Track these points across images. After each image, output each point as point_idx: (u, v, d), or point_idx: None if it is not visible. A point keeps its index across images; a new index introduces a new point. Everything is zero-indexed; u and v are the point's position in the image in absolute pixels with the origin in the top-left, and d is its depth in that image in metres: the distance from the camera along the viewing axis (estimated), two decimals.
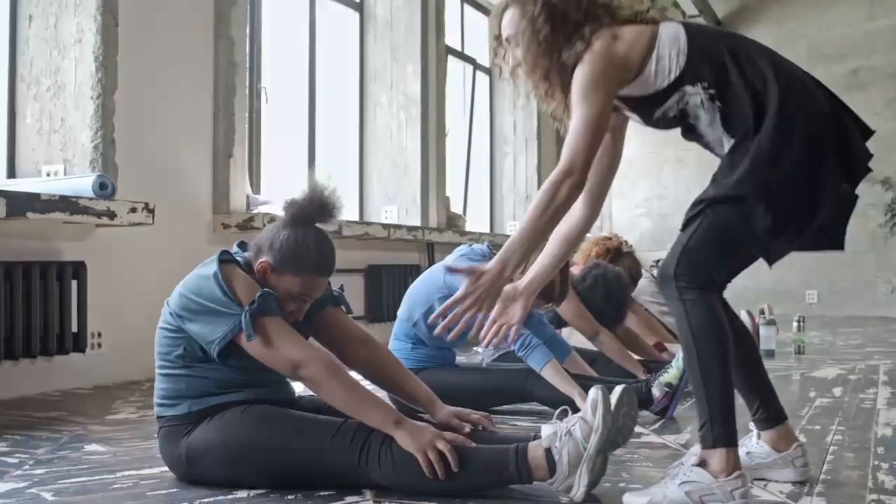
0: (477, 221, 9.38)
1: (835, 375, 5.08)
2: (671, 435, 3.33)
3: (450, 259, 3.89)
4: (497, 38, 2.59)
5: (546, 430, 2.35)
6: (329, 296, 2.70)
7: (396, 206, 7.62)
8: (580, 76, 2.37)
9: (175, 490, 2.46)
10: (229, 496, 2.38)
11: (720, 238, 2.28)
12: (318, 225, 2.56)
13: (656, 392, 3.63)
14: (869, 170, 2.39)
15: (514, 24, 2.50)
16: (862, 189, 2.42)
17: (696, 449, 2.30)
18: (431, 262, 7.58)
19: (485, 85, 9.90)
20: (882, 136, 10.11)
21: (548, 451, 2.29)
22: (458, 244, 7.89)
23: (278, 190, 6.28)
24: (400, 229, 6.91)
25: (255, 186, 6.09)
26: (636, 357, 4.50)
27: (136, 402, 4.05)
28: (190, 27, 5.30)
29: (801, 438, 3.02)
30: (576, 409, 3.50)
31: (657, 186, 11.80)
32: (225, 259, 2.48)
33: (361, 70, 7.78)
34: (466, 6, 9.40)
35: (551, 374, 3.55)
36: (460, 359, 4.25)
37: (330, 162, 7.28)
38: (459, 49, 9.13)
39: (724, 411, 2.24)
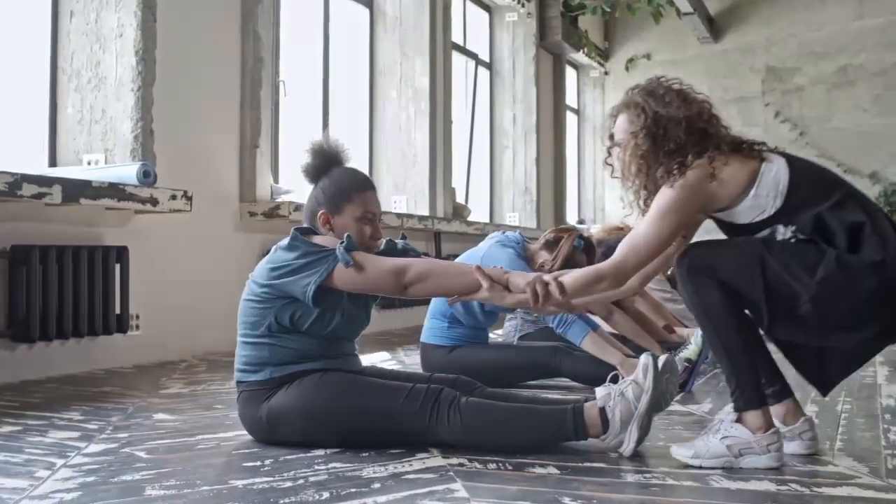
0: (478, 212, 9.60)
1: None
2: (694, 405, 3.58)
3: (485, 245, 4.13)
4: (611, 137, 2.74)
5: (600, 391, 2.62)
6: (394, 248, 2.93)
7: (405, 197, 7.84)
8: (664, 196, 2.51)
9: (256, 450, 2.68)
10: (308, 454, 2.60)
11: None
12: None
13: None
14: None
15: (622, 131, 2.66)
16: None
17: (730, 407, 2.54)
18: (439, 251, 7.81)
19: (485, 79, 10.13)
20: (869, 132, 10.60)
21: (602, 410, 2.57)
22: (464, 234, 8.20)
23: (296, 180, 6.49)
24: (412, 219, 7.14)
25: (275, 176, 6.29)
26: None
27: (180, 379, 4.26)
28: (220, 24, 5.52)
29: (813, 408, 3.30)
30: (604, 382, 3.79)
31: None
32: (298, 229, 2.72)
33: (371, 65, 8.00)
34: (468, 2, 9.63)
35: (591, 345, 3.81)
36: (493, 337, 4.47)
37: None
38: (462, 44, 9.34)
39: (750, 375, 2.50)
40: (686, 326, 5.80)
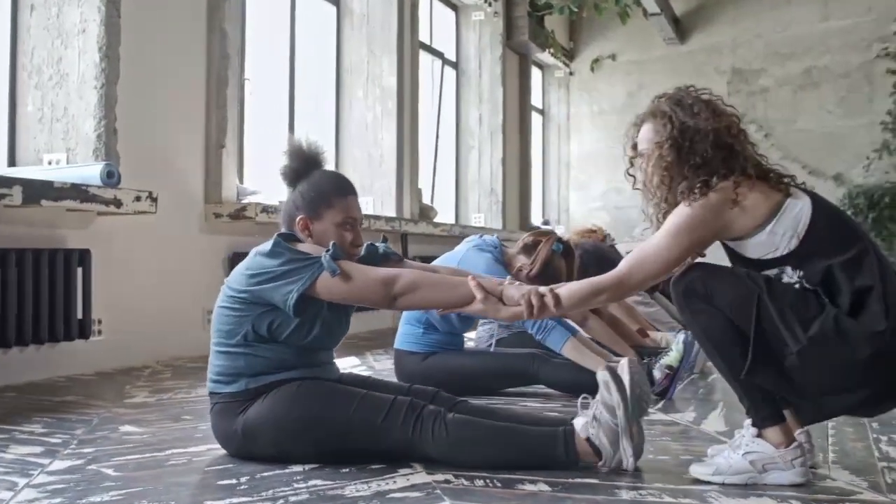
0: (443, 213, 9.51)
1: None
2: (676, 413, 3.50)
3: (462, 249, 4.03)
4: (634, 147, 2.64)
5: (578, 422, 2.54)
6: (375, 252, 2.84)
7: (372, 198, 7.71)
8: (682, 214, 2.41)
9: (231, 465, 2.57)
10: (285, 470, 2.49)
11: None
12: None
13: (657, 374, 3.81)
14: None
15: (647, 140, 2.55)
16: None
17: (749, 422, 2.45)
18: (405, 253, 7.70)
19: (452, 78, 10.03)
20: (834, 134, 10.63)
21: (587, 439, 2.48)
22: (431, 235, 8.10)
23: (261, 181, 6.36)
24: (379, 220, 7.02)
25: (240, 177, 6.15)
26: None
27: (145, 387, 4.12)
28: (186, 19, 5.38)
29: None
30: (589, 390, 3.71)
31: (614, 180, 11.98)
32: (281, 235, 2.60)
33: (338, 63, 7.87)
34: (435, 1, 9.52)
35: (572, 351, 3.74)
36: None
37: None
38: (428, 43, 9.23)
39: (761, 393, 2.40)
40: (658, 330, 5.76)
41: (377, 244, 2.87)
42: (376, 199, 7.75)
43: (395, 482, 2.38)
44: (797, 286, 2.36)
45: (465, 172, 10.23)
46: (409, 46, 8.04)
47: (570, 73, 12.39)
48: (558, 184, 12.55)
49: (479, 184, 10.19)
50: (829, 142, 10.08)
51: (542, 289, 2.46)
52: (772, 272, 2.39)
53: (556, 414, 3.41)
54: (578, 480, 2.39)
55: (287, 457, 2.56)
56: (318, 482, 2.37)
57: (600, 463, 2.48)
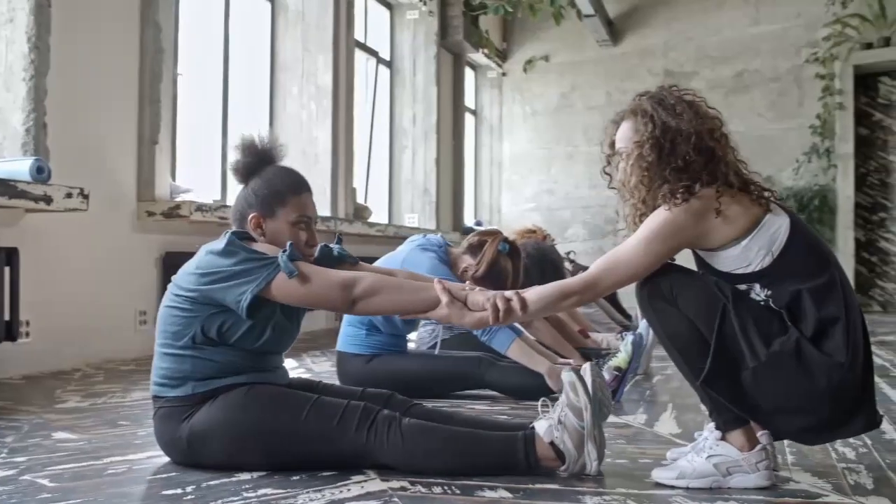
0: (377, 213, 9.40)
1: None
2: (628, 416, 3.46)
3: (405, 248, 3.95)
4: (611, 145, 2.57)
5: (541, 426, 2.47)
6: (329, 254, 2.75)
7: None
8: (660, 219, 2.34)
9: (175, 474, 2.45)
10: (233, 478, 2.38)
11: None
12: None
13: (606, 376, 3.76)
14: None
15: (626, 139, 2.48)
16: None
17: (713, 425, 2.41)
18: None
19: (386, 78, 9.93)
20: (765, 137, 10.77)
21: (551, 443, 2.42)
22: (366, 235, 8.00)
23: (193, 179, 6.21)
24: None
25: (172, 174, 5.99)
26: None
27: (77, 391, 3.97)
28: (119, 11, 5.21)
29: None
30: (536, 394, 3.66)
31: (547, 181, 12.03)
32: (235, 233, 2.48)
33: (272, 60, 7.72)
34: None
35: (518, 352, 3.68)
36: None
37: None
38: (363, 41, 9.12)
39: (719, 399, 2.36)
40: (597, 331, 5.75)
41: (331, 245, 2.78)
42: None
43: (348, 490, 2.29)
44: (762, 304, 2.33)
45: (399, 172, 10.13)
46: (345, 44, 7.93)
47: (503, 74, 12.37)
48: (490, 184, 12.52)
49: (412, 184, 10.11)
50: (760, 145, 10.17)
51: (509, 293, 2.38)
52: (741, 287, 2.35)
53: (505, 417, 3.35)
54: (539, 486, 2.33)
55: (235, 464, 2.46)
56: (269, 490, 2.27)
57: (562, 467, 2.42)
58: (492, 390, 3.87)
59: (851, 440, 2.88)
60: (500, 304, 2.34)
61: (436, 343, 4.13)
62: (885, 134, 10.39)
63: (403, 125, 10.08)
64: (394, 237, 8.27)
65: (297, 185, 2.59)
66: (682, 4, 11.23)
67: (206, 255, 2.44)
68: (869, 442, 2.90)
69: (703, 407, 3.39)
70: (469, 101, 11.98)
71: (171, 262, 5.47)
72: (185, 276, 2.47)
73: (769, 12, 10.73)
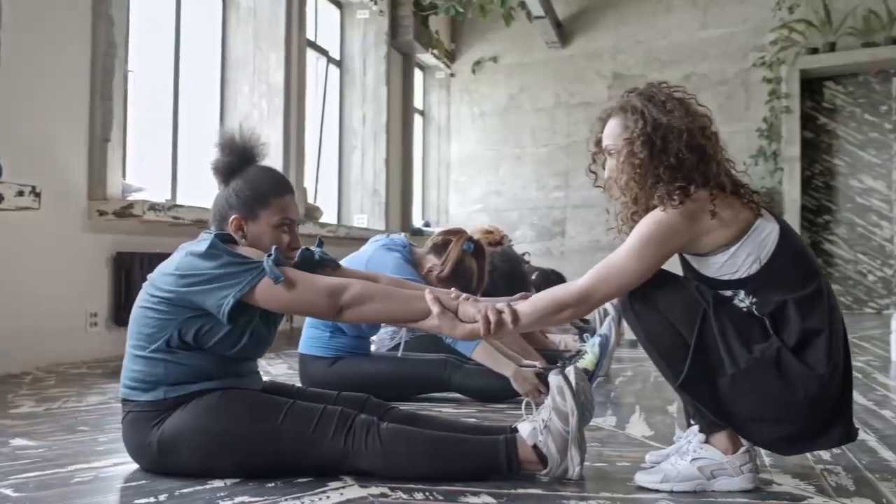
0: (326, 213, 9.30)
1: None
2: (598, 418, 3.42)
3: (369, 249, 3.90)
4: (598, 143, 2.51)
5: (524, 428, 2.43)
6: (311, 257, 2.68)
7: None
8: (655, 222, 2.29)
9: (144, 481, 2.37)
10: (206, 486, 2.31)
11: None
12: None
13: None
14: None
15: (615, 136, 2.42)
16: None
17: (696, 428, 2.39)
18: None
19: (335, 77, 9.84)
20: None
21: (534, 446, 2.38)
22: (317, 236, 7.90)
23: (142, 177, 6.08)
24: None
25: (123, 173, 5.86)
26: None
27: (30, 396, 3.85)
28: (70, 5, 5.07)
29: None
30: (501, 397, 3.63)
31: (495, 182, 12.03)
32: (218, 235, 2.40)
33: (223, 58, 7.60)
34: None
35: (483, 355, 3.64)
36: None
37: (192, 150, 7.07)
38: (313, 40, 9.02)
39: None
40: (554, 333, 5.73)
41: (312, 248, 2.71)
42: None
43: (328, 497, 2.23)
44: (745, 310, 2.30)
45: (348, 172, 10.05)
46: (297, 42, 7.84)
47: (452, 75, 12.34)
48: (438, 185, 12.48)
49: (362, 184, 10.02)
50: None
51: (500, 305, 2.32)
52: (726, 293, 2.32)
53: (473, 420, 3.31)
54: (522, 491, 2.29)
55: (206, 472, 2.38)
56: (245, 498, 2.20)
57: (544, 471, 2.38)
58: (456, 393, 3.83)
59: None
60: (492, 317, 2.28)
61: (398, 345, 4.07)
62: (830, 137, 10.56)
63: (353, 125, 10.00)
64: (345, 238, 8.20)
65: (279, 186, 2.52)
66: (631, 8, 11.30)
67: (187, 256, 2.35)
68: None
69: (670, 409, 3.41)
70: (417, 101, 11.93)
71: (122, 263, 5.36)
72: (162, 276, 2.38)
73: (717, 17, 10.84)
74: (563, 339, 5.46)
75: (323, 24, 9.43)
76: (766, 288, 2.27)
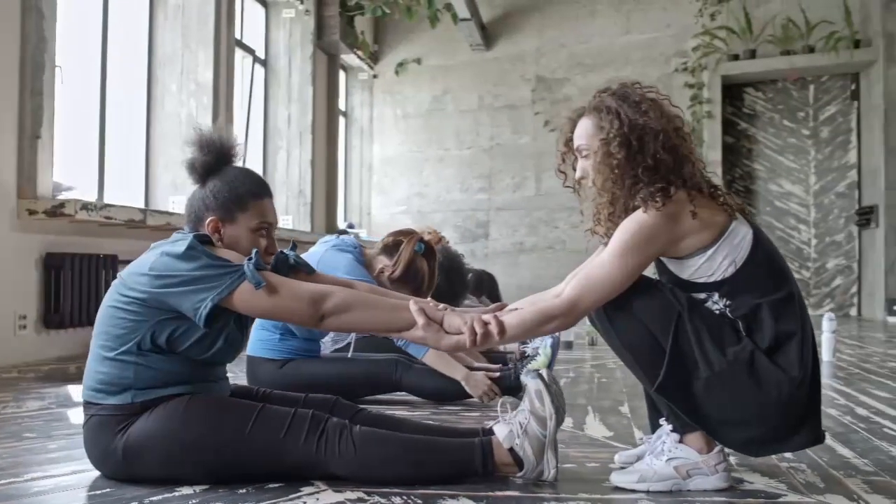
0: None
1: None
2: None
3: (320, 249, 3.85)
4: (567, 143, 2.49)
5: (500, 430, 2.41)
6: (285, 261, 2.63)
7: (184, 197, 7.30)
8: (636, 224, 2.26)
9: (109, 489, 2.28)
10: (174, 493, 2.24)
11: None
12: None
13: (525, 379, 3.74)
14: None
15: (588, 137, 2.40)
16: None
17: (668, 428, 2.39)
18: None
19: (260, 77, 9.70)
20: None
21: (510, 449, 2.36)
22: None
23: (68, 176, 5.91)
24: None
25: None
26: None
27: None
28: None
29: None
30: (453, 397, 3.60)
31: (418, 184, 12.02)
32: (196, 236, 2.32)
33: (150, 55, 7.43)
34: None
35: (435, 359, 3.63)
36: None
37: (119, 148, 6.91)
38: (239, 39, 8.88)
39: None
40: None
41: (286, 252, 2.65)
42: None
43: (303, 502, 2.17)
44: (718, 313, 2.31)
45: (273, 173, 9.91)
46: (226, 41, 7.70)
47: (375, 76, 12.29)
48: (360, 187, 12.42)
49: (287, 185, 9.90)
50: None
51: (486, 317, 2.28)
52: (699, 296, 2.32)
53: (431, 422, 3.27)
54: (500, 493, 2.27)
55: (173, 478, 2.31)
56: None
57: (519, 474, 2.37)
58: (408, 393, 3.79)
59: None
60: (478, 328, 2.24)
61: (348, 345, 4.02)
62: (750, 142, 10.80)
63: (278, 125, 9.87)
64: None
65: (258, 189, 2.45)
66: (555, 12, 11.40)
67: (162, 256, 2.27)
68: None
69: (622, 409, 3.43)
70: (340, 102, 11.84)
71: (52, 263, 5.19)
72: (134, 276, 2.29)
73: (640, 22, 11.00)
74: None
75: (248, 22, 9.28)
76: (741, 291, 2.28)
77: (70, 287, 5.21)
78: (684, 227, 2.27)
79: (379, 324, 2.32)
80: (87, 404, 2.36)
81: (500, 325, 2.27)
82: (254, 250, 2.30)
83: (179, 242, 2.28)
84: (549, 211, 11.35)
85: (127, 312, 2.28)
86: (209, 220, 2.40)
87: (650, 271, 2.40)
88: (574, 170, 2.52)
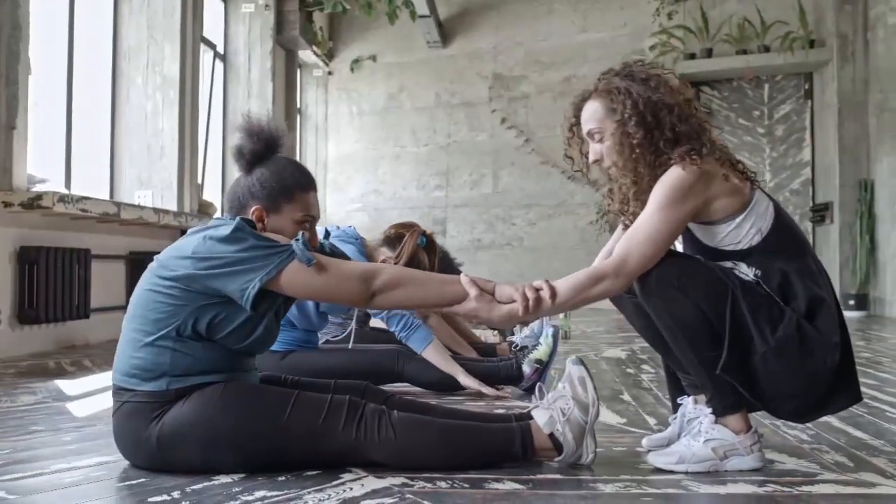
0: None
1: (624, 356, 5.42)
2: None
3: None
4: (572, 127, 2.48)
5: (540, 416, 2.40)
6: (321, 250, 2.60)
7: (151, 191, 7.21)
8: (676, 178, 2.27)
9: (145, 479, 2.23)
10: (214, 481, 2.20)
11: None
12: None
13: (527, 369, 3.75)
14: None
15: (599, 120, 2.40)
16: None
17: (707, 410, 2.40)
18: None
19: (220, 71, 9.59)
20: None
21: (551, 434, 2.36)
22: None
23: (39, 168, 5.78)
24: (167, 214, 6.56)
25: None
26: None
27: None
28: None
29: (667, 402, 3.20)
30: (453, 388, 3.58)
31: (374, 181, 11.98)
32: (243, 219, 2.28)
33: (115, 48, 7.30)
34: None
35: (433, 354, 3.65)
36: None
37: (84, 141, 6.78)
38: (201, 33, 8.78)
39: (728, 384, 2.33)
40: (475, 328, 5.73)
41: (322, 241, 2.62)
42: (156, 192, 7.24)
43: (350, 489, 2.15)
44: (756, 285, 2.32)
45: (233, 168, 9.73)
46: (192, 34, 7.60)
47: (329, 73, 12.22)
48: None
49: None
50: None
51: (538, 282, 2.28)
52: (726, 264, 2.34)
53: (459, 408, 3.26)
54: (542, 477, 2.28)
55: (208, 467, 2.27)
56: (266, 493, 2.10)
57: (558, 458, 2.37)
58: (409, 384, 3.78)
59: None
60: (530, 294, 2.23)
61: (347, 336, 3.99)
62: None
63: (238, 121, 9.70)
64: None
65: (306, 182, 2.42)
66: (512, 10, 11.43)
67: (206, 240, 2.22)
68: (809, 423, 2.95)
69: (623, 397, 3.44)
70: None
71: (27, 257, 5.07)
72: (174, 259, 2.25)
73: (597, 21, 11.08)
74: (482, 334, 5.46)
75: (207, 16, 9.15)
76: (768, 260, 2.32)
77: (45, 282, 5.09)
78: (717, 188, 2.30)
79: (430, 298, 2.30)
80: (120, 390, 2.30)
81: (552, 289, 2.25)
82: (300, 232, 2.27)
83: (223, 227, 2.24)
84: (507, 208, 11.38)
85: (166, 296, 2.24)
86: (254, 208, 2.36)
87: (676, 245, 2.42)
88: (581, 154, 2.52)
